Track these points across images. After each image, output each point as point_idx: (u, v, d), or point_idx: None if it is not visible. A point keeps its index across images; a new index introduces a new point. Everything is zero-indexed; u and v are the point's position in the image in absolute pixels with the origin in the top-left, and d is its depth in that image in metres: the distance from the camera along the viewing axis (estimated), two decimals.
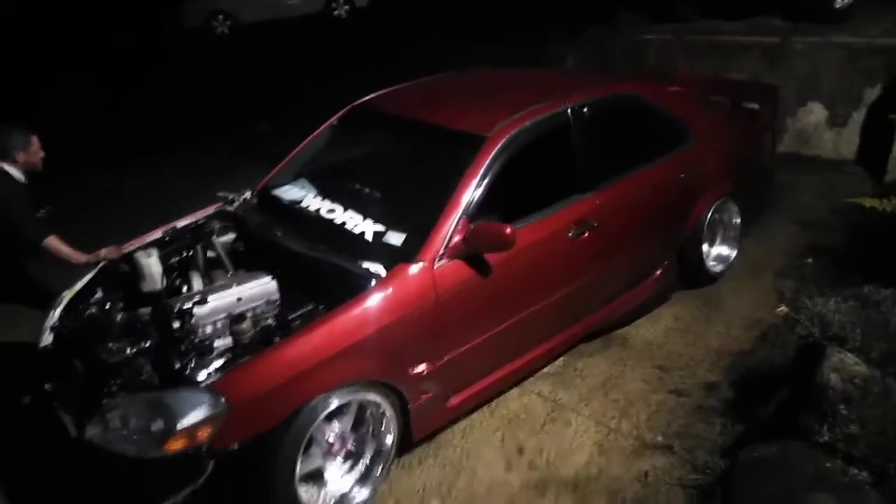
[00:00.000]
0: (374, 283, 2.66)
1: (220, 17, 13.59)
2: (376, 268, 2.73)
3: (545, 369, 3.44)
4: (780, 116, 5.99)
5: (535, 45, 7.74)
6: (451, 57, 6.21)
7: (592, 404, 3.21)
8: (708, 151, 3.80)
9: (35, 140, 3.33)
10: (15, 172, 3.27)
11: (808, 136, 6.01)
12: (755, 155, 4.21)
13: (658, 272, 3.78)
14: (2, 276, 3.38)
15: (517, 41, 8.87)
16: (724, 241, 4.14)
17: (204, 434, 2.30)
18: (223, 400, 2.32)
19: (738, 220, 4.10)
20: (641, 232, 3.53)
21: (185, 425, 2.28)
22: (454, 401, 2.96)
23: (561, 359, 3.52)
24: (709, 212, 3.86)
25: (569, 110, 3.28)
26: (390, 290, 2.65)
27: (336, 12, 14.43)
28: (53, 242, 3.26)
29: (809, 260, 2.96)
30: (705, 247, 4.03)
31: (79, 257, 3.29)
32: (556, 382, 3.37)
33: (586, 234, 3.21)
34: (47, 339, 2.92)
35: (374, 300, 2.62)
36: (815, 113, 5.96)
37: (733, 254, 4.13)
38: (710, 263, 4.05)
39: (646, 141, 3.61)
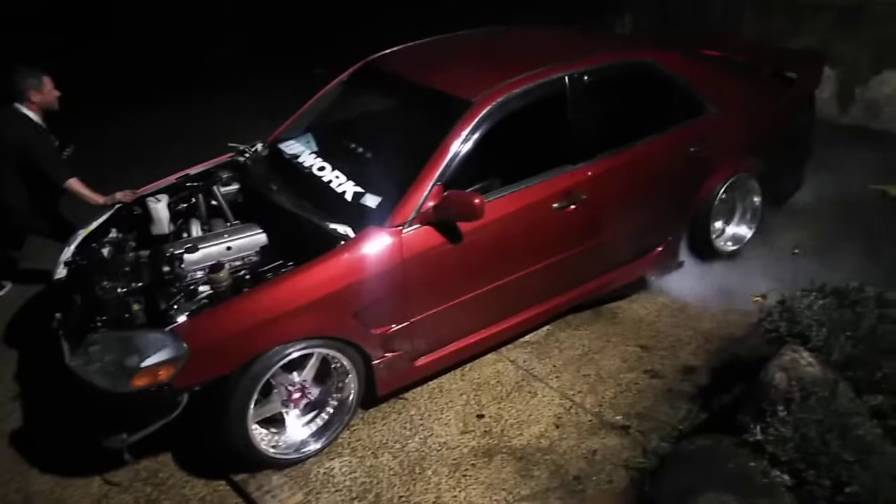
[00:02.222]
0: (341, 244, 2.76)
1: None
2: (344, 229, 2.82)
3: (527, 337, 3.48)
4: (849, 85, 5.56)
5: None
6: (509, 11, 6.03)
7: (563, 377, 3.23)
8: (725, 124, 3.60)
9: (48, 80, 3.57)
10: (32, 115, 3.53)
11: (879, 108, 5.53)
12: (786, 128, 3.93)
13: (659, 248, 3.67)
14: (33, 211, 3.72)
15: None
16: (742, 220, 3.94)
17: (165, 374, 2.51)
18: (184, 344, 2.51)
19: (758, 199, 3.88)
20: (639, 206, 3.43)
21: (148, 364, 2.49)
22: (422, 361, 3.06)
23: (545, 328, 3.54)
24: (721, 188, 3.68)
25: (566, 77, 3.18)
26: (355, 251, 2.74)
27: None
28: (74, 184, 3.55)
29: (797, 251, 2.79)
30: (719, 224, 3.88)
31: (97, 198, 3.56)
32: (533, 351, 3.40)
33: (573, 207, 3.16)
34: (61, 272, 3.22)
35: (338, 260, 2.72)
36: (891, 84, 5.45)
37: (749, 234, 3.93)
38: (723, 242, 3.89)
39: (654, 111, 3.45)
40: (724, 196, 3.74)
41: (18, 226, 3.78)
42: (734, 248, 3.91)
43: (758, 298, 2.86)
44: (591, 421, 2.97)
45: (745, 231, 3.95)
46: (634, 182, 3.37)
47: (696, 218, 3.70)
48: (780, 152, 3.89)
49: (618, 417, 2.96)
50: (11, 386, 3.43)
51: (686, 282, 3.71)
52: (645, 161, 3.39)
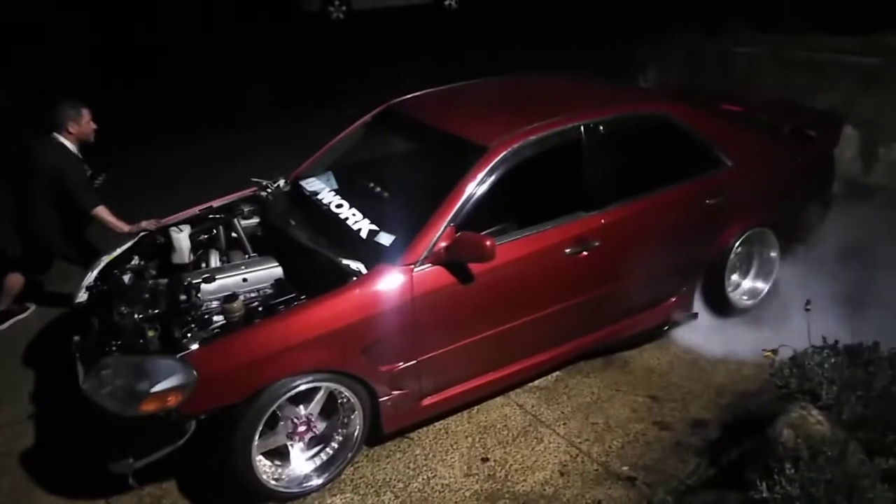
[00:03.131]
0: (353, 280, 2.81)
1: (337, 2, 14.22)
2: (357, 265, 2.87)
3: (536, 382, 3.46)
4: (872, 145, 5.55)
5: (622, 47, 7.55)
6: (536, 56, 6.20)
7: (571, 424, 3.20)
8: (743, 177, 3.62)
9: (86, 112, 3.74)
10: (69, 144, 3.70)
11: None
12: (804, 185, 3.93)
13: (673, 299, 3.65)
14: (62, 237, 3.84)
15: (606, 43, 8.68)
16: (758, 274, 3.92)
17: (174, 400, 2.54)
18: (194, 372, 2.56)
19: (775, 253, 3.87)
20: (652, 256, 3.43)
21: (158, 389, 2.53)
22: (428, 401, 3.06)
23: (556, 373, 3.52)
24: (737, 241, 3.68)
25: (582, 127, 3.24)
26: (367, 287, 2.78)
27: (447, 2, 14.66)
28: (101, 212, 3.67)
29: (808, 308, 2.77)
30: (734, 277, 3.86)
31: (122, 226, 3.68)
32: (542, 397, 3.38)
33: (585, 253, 3.18)
34: (82, 296, 3.31)
35: (349, 296, 2.76)
36: None
37: (766, 288, 3.90)
38: (738, 296, 3.86)
39: (669, 163, 3.49)
40: (739, 250, 3.73)
41: (47, 250, 3.90)
42: (750, 302, 3.88)
43: (769, 353, 2.83)
44: (596, 470, 2.92)
45: (760, 285, 3.93)
46: (647, 232, 3.38)
47: (711, 270, 3.69)
48: (797, 208, 3.89)
49: (624, 468, 2.92)
50: (26, 406, 3.49)
51: (699, 334, 3.68)
52: (659, 211, 3.41)
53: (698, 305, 3.73)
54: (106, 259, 3.49)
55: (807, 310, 2.78)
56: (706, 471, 2.83)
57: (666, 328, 3.68)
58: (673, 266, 3.56)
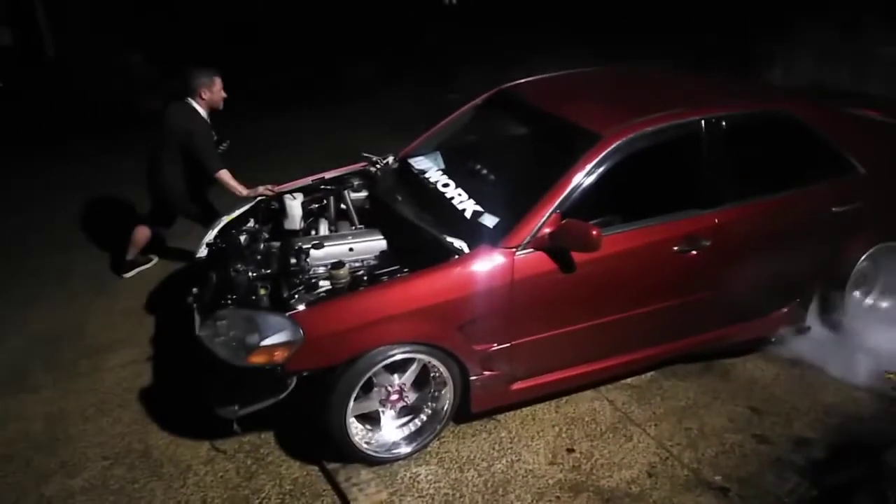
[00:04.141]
0: (455, 257, 2.85)
1: None
2: (460, 244, 2.91)
3: (628, 380, 3.39)
4: None
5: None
6: (643, 54, 6.02)
7: (662, 426, 3.11)
8: (875, 187, 3.36)
9: (218, 80, 3.98)
10: (200, 109, 3.94)
11: None
12: None
13: (784, 309, 3.46)
14: (187, 194, 4.12)
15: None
16: (883, 294, 3.64)
17: (281, 355, 2.69)
18: (301, 330, 2.69)
19: None
20: (766, 261, 3.26)
21: (267, 343, 2.68)
22: (519, 385, 3.06)
23: (650, 373, 3.43)
24: (863, 255, 3.43)
25: (702, 121, 3.12)
26: (468, 266, 2.82)
27: None
28: (224, 175, 3.90)
29: None
30: (857, 294, 3.60)
31: (241, 190, 3.90)
32: (634, 395, 3.31)
33: (695, 252, 3.07)
34: (202, 252, 3.54)
35: (451, 273, 2.81)
36: None
37: (890, 308, 3.62)
38: (858, 313, 3.59)
39: (793, 165, 3.29)
40: (865, 264, 3.48)
41: (173, 205, 4.20)
42: (871, 321, 3.60)
43: (892, 375, 2.64)
44: (687, 476, 2.84)
45: (885, 304, 3.65)
46: (763, 235, 3.22)
47: (831, 283, 3.47)
48: None
49: (717, 478, 2.81)
50: (147, 349, 3.79)
51: (811, 348, 3.46)
52: (777, 215, 3.24)
53: (813, 319, 3.50)
54: (225, 219, 3.72)
55: None
56: (808, 491, 2.68)
57: (774, 339, 3.49)
58: (787, 275, 3.36)
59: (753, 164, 3.17)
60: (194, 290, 3.27)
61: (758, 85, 3.78)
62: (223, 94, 4.02)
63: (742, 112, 3.24)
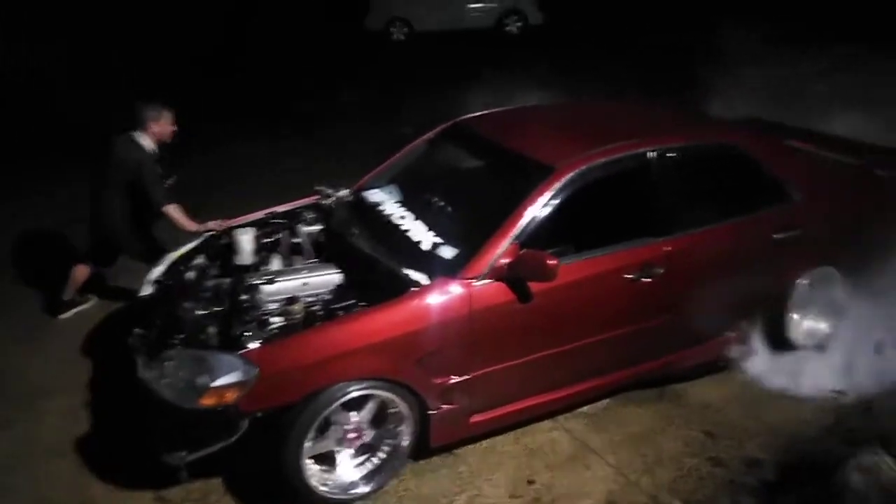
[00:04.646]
0: (412, 290, 2.83)
1: (399, 23, 14.51)
2: (418, 276, 2.89)
3: (585, 408, 3.41)
4: None
5: None
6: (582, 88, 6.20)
7: (620, 453, 3.13)
8: (810, 214, 3.52)
9: (167, 114, 3.88)
10: (147, 142, 3.84)
11: None
12: (873, 225, 3.81)
13: (732, 333, 3.56)
14: (132, 232, 3.97)
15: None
16: (821, 315, 3.80)
17: (232, 396, 2.59)
18: (255, 369, 2.60)
19: (840, 294, 3.74)
20: (714, 287, 3.36)
21: (218, 384, 2.59)
22: (477, 418, 3.04)
23: (605, 401, 3.46)
24: (801, 279, 3.58)
25: (650, 153, 3.23)
26: (425, 299, 2.80)
27: (508, 28, 14.81)
28: (172, 210, 3.79)
29: (880, 349, 2.67)
30: (795, 316, 3.74)
31: (190, 225, 3.78)
32: (591, 423, 3.33)
33: (647, 280, 3.14)
34: (146, 290, 3.40)
35: (409, 306, 2.78)
36: None
37: (828, 329, 3.77)
38: (799, 336, 3.74)
39: (736, 194, 3.43)
40: (804, 287, 3.63)
41: (118, 243, 4.03)
42: (811, 342, 3.75)
43: (836, 395, 2.74)
44: (646, 502, 2.85)
45: (822, 326, 3.80)
46: (712, 262, 3.32)
47: (773, 307, 3.60)
48: (864, 249, 3.75)
49: (675, 503, 2.84)
50: (84, 393, 3.60)
51: (758, 371, 3.56)
52: (724, 242, 3.35)
53: (758, 342, 3.61)
54: (172, 256, 3.59)
55: (878, 353, 2.67)
56: None
57: (723, 363, 3.58)
58: (735, 299, 3.46)
59: (701, 193, 3.29)
60: (137, 330, 3.13)
61: (704, 117, 3.94)
62: (173, 128, 3.93)
63: (690, 144, 3.37)
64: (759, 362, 3.59)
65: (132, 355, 2.99)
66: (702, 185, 3.34)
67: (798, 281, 3.58)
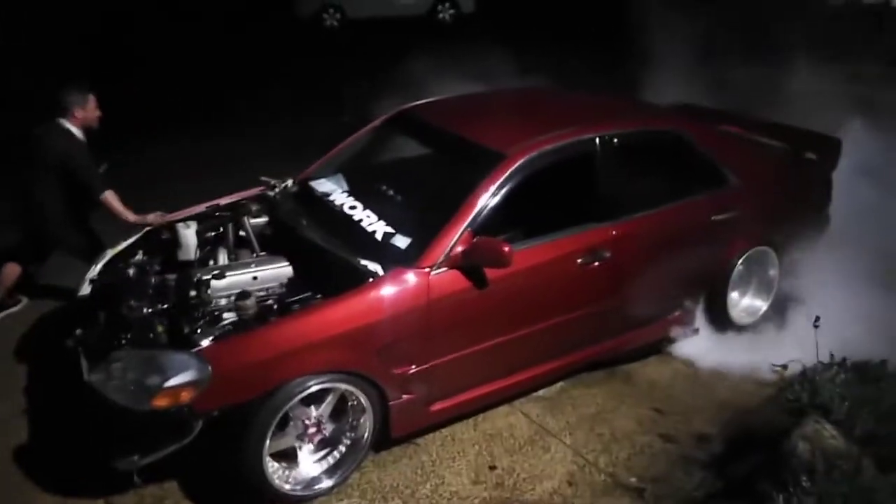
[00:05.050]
0: (369, 281, 2.80)
1: (331, 10, 14.24)
2: (374, 266, 2.86)
3: (540, 392, 3.47)
4: None
5: None
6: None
7: (577, 434, 3.21)
8: (746, 196, 3.69)
9: (92, 98, 3.72)
10: (74, 129, 3.65)
11: None
12: (804, 207, 4.03)
13: (676, 313, 3.70)
14: (67, 224, 3.77)
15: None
16: (758, 293, 3.99)
17: (187, 395, 2.50)
18: (209, 367, 2.52)
19: (775, 272, 3.94)
20: (659, 269, 3.48)
21: (171, 384, 2.49)
22: (437, 406, 3.04)
23: (559, 384, 3.53)
24: (739, 259, 3.75)
25: (597, 139, 3.29)
26: (383, 289, 2.78)
27: (441, 15, 14.79)
28: (109, 197, 3.63)
29: (817, 325, 2.83)
30: (734, 295, 3.91)
31: (129, 216, 3.63)
32: (547, 406, 3.39)
33: (597, 263, 3.21)
34: (86, 289, 3.25)
35: (367, 296, 2.76)
36: None
37: (765, 306, 3.97)
38: (738, 314, 3.92)
39: (677, 179, 3.55)
40: (741, 267, 3.80)
41: (52, 238, 3.82)
42: (749, 319, 3.94)
43: (778, 369, 2.90)
44: (604, 481, 2.94)
45: (759, 303, 3.99)
46: (656, 244, 3.43)
47: (714, 286, 3.75)
48: (797, 229, 3.96)
49: (632, 479, 2.93)
50: (20, 401, 3.40)
51: (701, 349, 3.72)
52: (667, 225, 3.47)
53: (701, 321, 3.77)
54: (111, 252, 3.43)
55: (815, 326, 2.83)
56: (713, 483, 2.85)
57: (668, 342, 3.72)
58: (679, 280, 3.61)
59: (645, 178, 3.38)
60: (78, 331, 2.99)
61: (647, 104, 4.06)
62: (98, 113, 3.76)
63: (634, 130, 3.46)
64: (703, 340, 3.75)
65: (75, 358, 2.86)
66: (646, 170, 3.43)
67: (736, 261, 3.74)
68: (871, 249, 3.90)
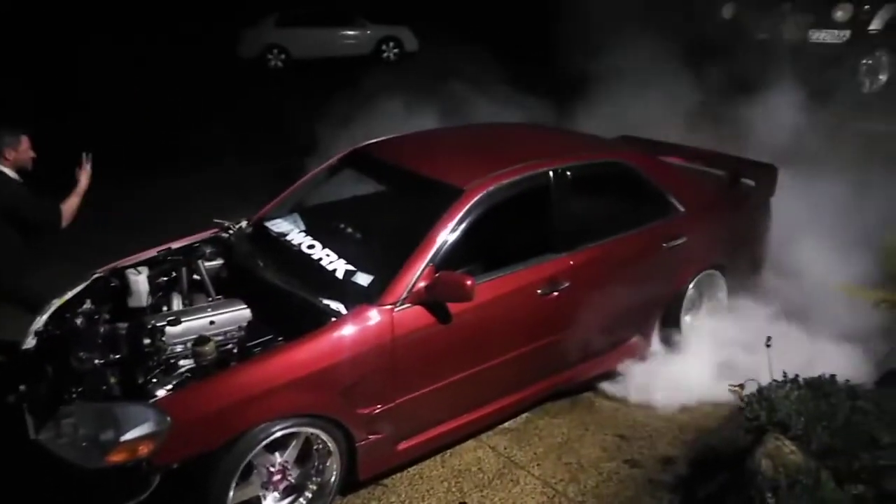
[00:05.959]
0: (332, 320, 2.77)
1: (276, 51, 14.28)
2: (337, 306, 2.83)
3: (505, 424, 3.46)
4: None
5: None
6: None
7: (545, 465, 3.21)
8: (693, 223, 3.82)
9: (25, 140, 3.64)
10: (7, 170, 3.56)
11: None
12: (746, 231, 4.21)
13: (634, 339, 3.78)
14: (16, 279, 3.60)
15: None
16: (709, 314, 4.11)
17: (145, 449, 2.40)
18: (168, 418, 2.43)
19: (724, 294, 4.08)
20: (616, 297, 3.55)
21: (128, 438, 2.39)
22: (404, 445, 3.01)
23: (524, 415, 3.54)
24: (691, 283, 3.87)
25: (550, 172, 3.37)
26: (346, 328, 2.75)
27: (385, 54, 15.00)
28: (67, 210, 3.66)
29: (769, 344, 2.94)
30: (688, 318, 4.02)
31: (77, 192, 3.74)
32: (513, 438, 3.39)
33: (556, 294, 3.26)
34: (30, 342, 3.10)
35: (329, 337, 2.72)
36: None
37: (718, 328, 4.07)
38: (691, 336, 4.01)
39: (629, 208, 3.67)
40: (692, 291, 3.92)
41: (3, 289, 3.65)
42: (705, 341, 4.03)
43: (736, 388, 2.99)
44: None
45: (711, 324, 4.10)
46: (613, 272, 3.52)
47: (668, 311, 3.85)
48: (742, 253, 4.13)
49: None
50: None
51: (659, 372, 3.79)
52: (622, 253, 3.56)
53: (657, 345, 3.85)
54: (56, 302, 3.29)
55: (767, 346, 2.93)
56: None
57: (628, 366, 3.78)
58: (635, 306, 3.69)
59: (598, 209, 3.49)
60: (21, 387, 2.84)
61: (596, 137, 4.19)
62: (31, 154, 3.67)
63: (585, 162, 3.56)
64: (661, 364, 3.82)
65: (19, 415, 2.71)
66: (599, 201, 3.54)
67: (688, 286, 3.86)
68: None
